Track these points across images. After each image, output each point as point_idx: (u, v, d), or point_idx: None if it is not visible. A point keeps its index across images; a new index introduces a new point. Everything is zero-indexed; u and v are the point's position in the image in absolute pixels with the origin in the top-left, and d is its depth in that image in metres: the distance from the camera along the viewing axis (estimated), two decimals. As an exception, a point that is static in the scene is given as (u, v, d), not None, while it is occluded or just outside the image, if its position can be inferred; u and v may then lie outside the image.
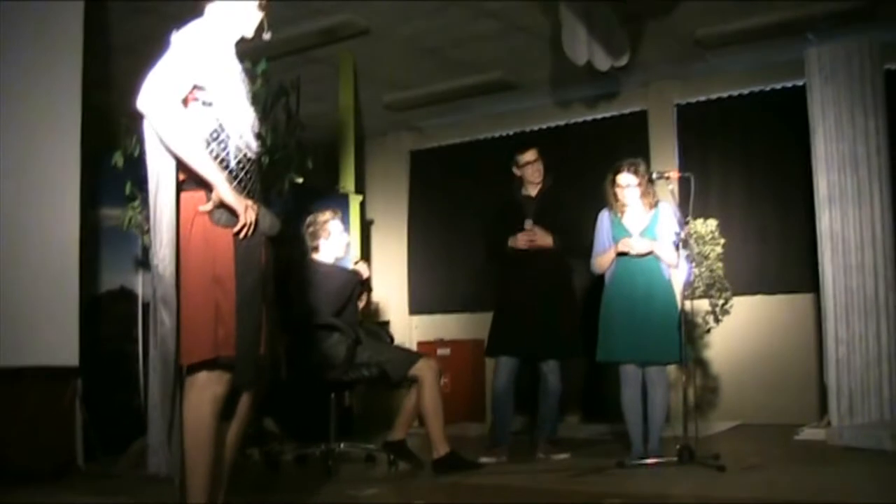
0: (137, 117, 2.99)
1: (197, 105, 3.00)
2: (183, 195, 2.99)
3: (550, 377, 5.58)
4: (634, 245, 5.04)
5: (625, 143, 7.66)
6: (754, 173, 7.68)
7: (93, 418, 5.13)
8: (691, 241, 5.46)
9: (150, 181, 3.01)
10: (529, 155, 5.71)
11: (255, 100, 3.55)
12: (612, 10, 6.39)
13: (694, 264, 6.00)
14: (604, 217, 5.23)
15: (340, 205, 6.57)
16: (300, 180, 6.06)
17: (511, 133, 8.84)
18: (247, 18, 3.17)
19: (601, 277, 5.23)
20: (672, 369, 5.49)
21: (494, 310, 5.78)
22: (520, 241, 5.56)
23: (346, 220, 5.77)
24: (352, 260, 5.97)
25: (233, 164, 3.04)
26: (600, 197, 5.27)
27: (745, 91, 7.79)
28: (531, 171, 5.70)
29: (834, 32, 6.48)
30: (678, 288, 5.07)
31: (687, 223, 5.03)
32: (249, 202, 3.01)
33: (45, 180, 5.09)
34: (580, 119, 8.58)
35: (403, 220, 9.52)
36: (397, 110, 8.76)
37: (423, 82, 8.12)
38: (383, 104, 8.59)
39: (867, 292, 6.12)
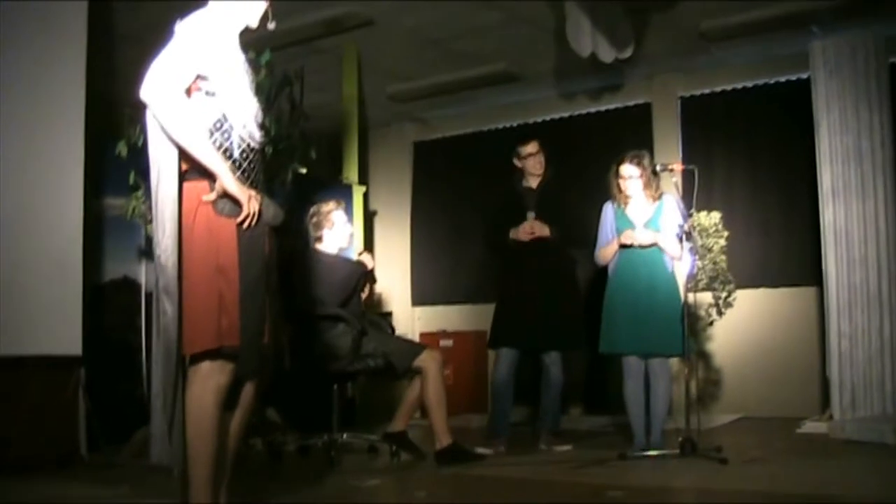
0: (141, 107, 2.98)
1: (200, 95, 2.99)
2: (186, 185, 2.98)
3: (553, 369, 5.58)
4: (637, 236, 5.04)
5: (629, 136, 7.66)
6: (758, 166, 7.67)
7: (96, 408, 5.13)
8: (695, 234, 5.46)
9: (152, 172, 3.00)
10: (531, 147, 5.71)
11: (259, 90, 3.56)
12: (616, 3, 6.37)
13: (697, 257, 6.00)
14: (608, 209, 5.23)
15: (344, 195, 6.58)
16: (303, 170, 6.07)
17: (515, 125, 8.83)
18: (251, 8, 3.16)
19: (604, 269, 5.23)
20: (674, 362, 5.49)
21: (497, 302, 5.78)
22: (521, 233, 5.57)
23: (349, 211, 5.78)
24: (355, 251, 5.97)
25: (236, 153, 3.03)
26: (604, 189, 5.27)
27: (749, 84, 7.77)
28: (532, 163, 5.70)
29: (838, 26, 6.47)
30: (681, 280, 5.07)
31: (690, 215, 5.03)
32: (253, 192, 3.01)
33: (49, 169, 5.09)
34: (584, 111, 8.56)
35: (406, 211, 9.52)
36: (401, 101, 8.75)
37: (427, 73, 8.11)
38: (387, 95, 8.58)
39: (870, 286, 6.13)
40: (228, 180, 2.94)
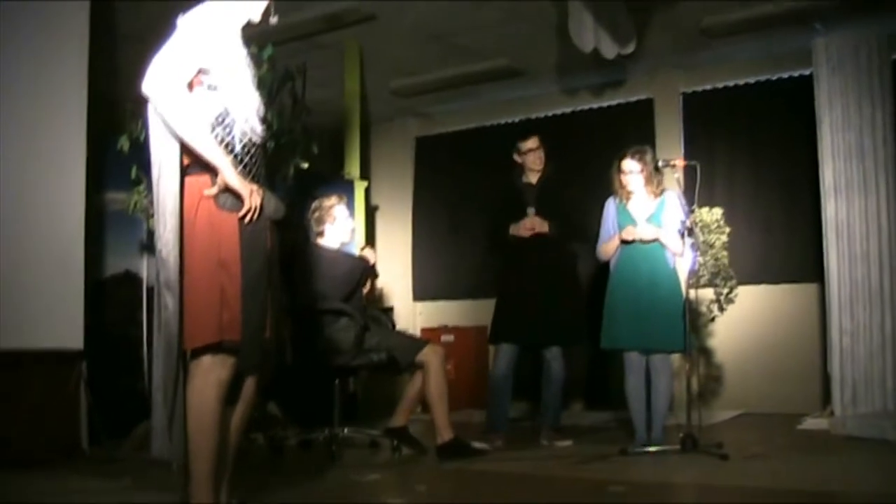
0: (143, 101, 2.98)
1: (202, 89, 2.99)
2: (188, 179, 2.99)
3: (554, 364, 5.58)
4: (639, 232, 5.04)
5: (631, 131, 7.65)
6: (760, 162, 7.66)
7: (97, 402, 5.14)
8: (696, 230, 5.46)
9: (154, 167, 3.00)
10: (531, 142, 5.71)
11: (261, 84, 3.55)
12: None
13: (699, 253, 5.99)
14: (610, 204, 5.23)
15: (345, 190, 6.59)
16: (305, 165, 6.06)
17: (517, 120, 8.81)
18: (253, 3, 3.16)
19: (606, 265, 5.23)
20: (676, 358, 5.49)
21: (497, 297, 5.78)
22: (521, 228, 5.56)
23: (351, 206, 5.78)
24: (357, 246, 5.97)
25: (238, 148, 3.03)
26: (606, 185, 5.27)
27: (752, 80, 7.76)
28: (532, 159, 5.70)
29: (841, 23, 6.46)
30: (683, 276, 5.07)
31: (692, 211, 5.03)
32: (254, 186, 3.01)
33: (51, 164, 5.09)
34: (586, 107, 8.55)
35: (408, 206, 9.51)
36: (403, 96, 8.74)
37: (430, 69, 8.10)
38: (389, 90, 8.57)
39: (872, 282, 6.13)
40: (230, 174, 2.94)
